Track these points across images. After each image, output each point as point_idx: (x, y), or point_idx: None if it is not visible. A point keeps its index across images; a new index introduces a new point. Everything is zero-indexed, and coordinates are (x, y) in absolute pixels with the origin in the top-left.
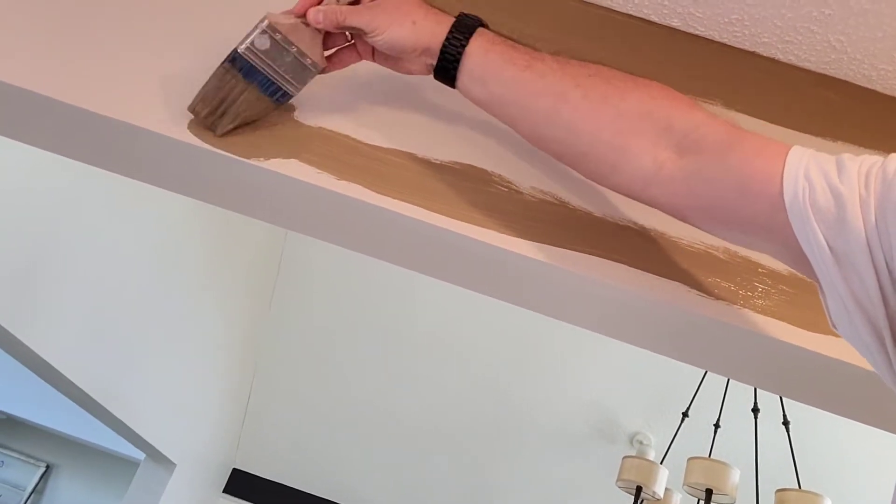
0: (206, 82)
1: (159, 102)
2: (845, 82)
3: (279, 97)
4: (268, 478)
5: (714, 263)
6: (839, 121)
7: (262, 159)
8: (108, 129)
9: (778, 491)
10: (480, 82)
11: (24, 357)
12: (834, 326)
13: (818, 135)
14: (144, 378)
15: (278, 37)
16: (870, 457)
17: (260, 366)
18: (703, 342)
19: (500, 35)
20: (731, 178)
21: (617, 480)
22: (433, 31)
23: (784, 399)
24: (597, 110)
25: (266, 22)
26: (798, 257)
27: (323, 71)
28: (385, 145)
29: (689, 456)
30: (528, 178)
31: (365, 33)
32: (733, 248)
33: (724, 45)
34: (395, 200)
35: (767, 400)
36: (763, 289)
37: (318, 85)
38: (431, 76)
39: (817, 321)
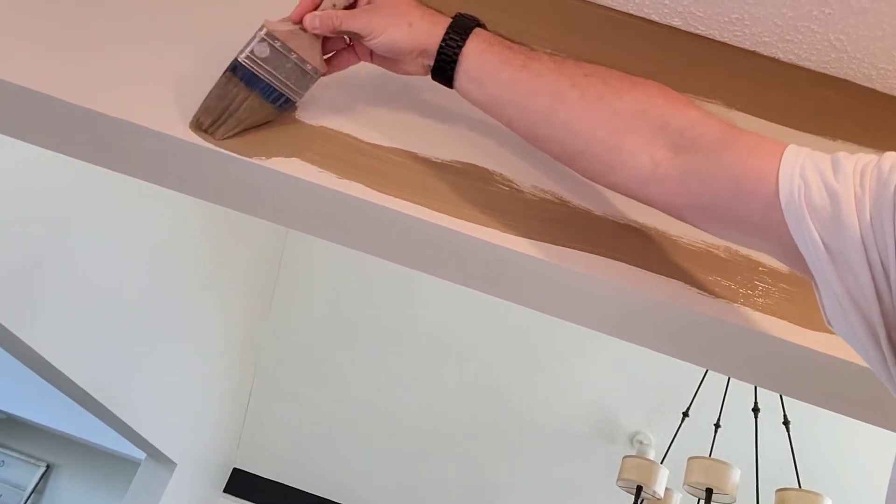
0: (209, 93)
1: (161, 101)
2: (845, 81)
3: (282, 104)
4: (268, 477)
5: (714, 262)
6: (839, 120)
7: (263, 158)
8: (110, 127)
9: (778, 490)
10: (477, 83)
11: (24, 356)
12: (829, 323)
13: (818, 134)
14: (145, 377)
15: (277, 44)
16: (870, 457)
17: (260, 365)
18: (704, 340)
19: (498, 35)
20: (727, 177)
21: (617, 480)
22: (430, 32)
23: (784, 399)
24: (593, 110)
25: (264, 30)
26: (793, 255)
27: (323, 74)
28: (386, 144)
29: (690, 455)
30: (529, 176)
31: (361, 37)
32: (734, 246)
33: (725, 44)
34: (397, 199)
35: (768, 399)
36: (763, 287)
37: (319, 85)
38: (429, 77)
39: (817, 319)
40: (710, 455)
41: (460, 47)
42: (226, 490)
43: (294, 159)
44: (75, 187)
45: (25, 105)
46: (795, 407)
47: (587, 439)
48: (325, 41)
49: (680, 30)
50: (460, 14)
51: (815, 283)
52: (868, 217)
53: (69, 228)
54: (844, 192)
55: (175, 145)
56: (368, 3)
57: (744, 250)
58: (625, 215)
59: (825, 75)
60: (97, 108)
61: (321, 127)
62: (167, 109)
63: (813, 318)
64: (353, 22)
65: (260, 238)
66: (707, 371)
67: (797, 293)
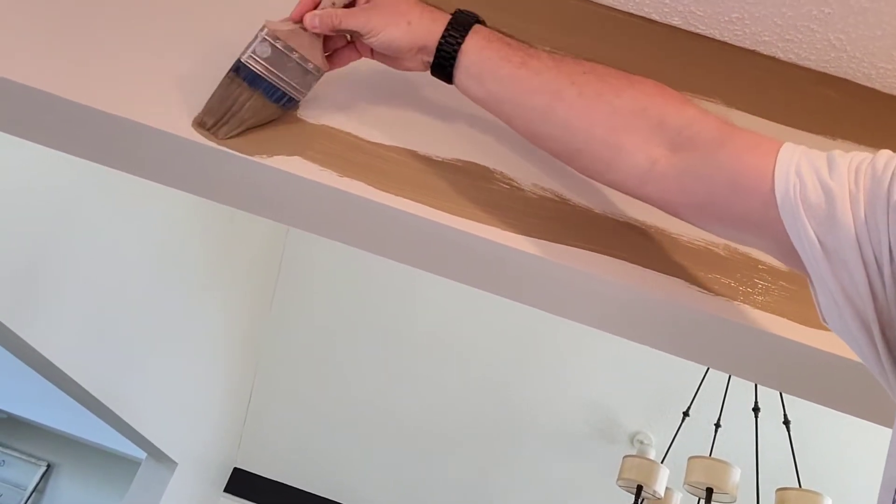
0: (212, 94)
1: (163, 100)
2: (845, 80)
3: (285, 103)
4: (269, 477)
5: (714, 260)
6: (839, 119)
7: (265, 156)
8: (113, 126)
9: (778, 490)
10: (476, 80)
11: (25, 355)
12: (824, 320)
13: (818, 133)
14: (146, 377)
15: (279, 43)
16: (870, 456)
17: (261, 365)
18: (703, 338)
19: (497, 31)
20: (723, 175)
21: (617, 479)
22: (429, 28)
23: (785, 398)
24: (591, 108)
25: (265, 30)
26: (789, 252)
27: (324, 72)
28: (387, 143)
29: (690, 455)
30: (529, 175)
31: (361, 35)
32: (733, 244)
33: (725, 43)
34: (398, 197)
35: (768, 399)
36: (763, 285)
37: (321, 83)
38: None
39: (816, 317)
40: (710, 455)
41: (459, 44)
42: (226, 490)
43: (296, 158)
44: (76, 187)
45: (28, 103)
46: (796, 406)
47: (587, 439)
48: (326, 39)
49: (680, 29)
50: (460, 10)
51: (811, 280)
52: (862, 214)
53: (71, 228)
54: (839, 189)
55: (177, 143)
56: (367, 1)
57: (743, 248)
58: (625, 213)
59: (825, 74)
60: (99, 107)
61: (322, 125)
62: (168, 108)
63: (812, 316)
64: (352, 20)
65: (261, 238)
66: (707, 370)
67: (796, 291)
